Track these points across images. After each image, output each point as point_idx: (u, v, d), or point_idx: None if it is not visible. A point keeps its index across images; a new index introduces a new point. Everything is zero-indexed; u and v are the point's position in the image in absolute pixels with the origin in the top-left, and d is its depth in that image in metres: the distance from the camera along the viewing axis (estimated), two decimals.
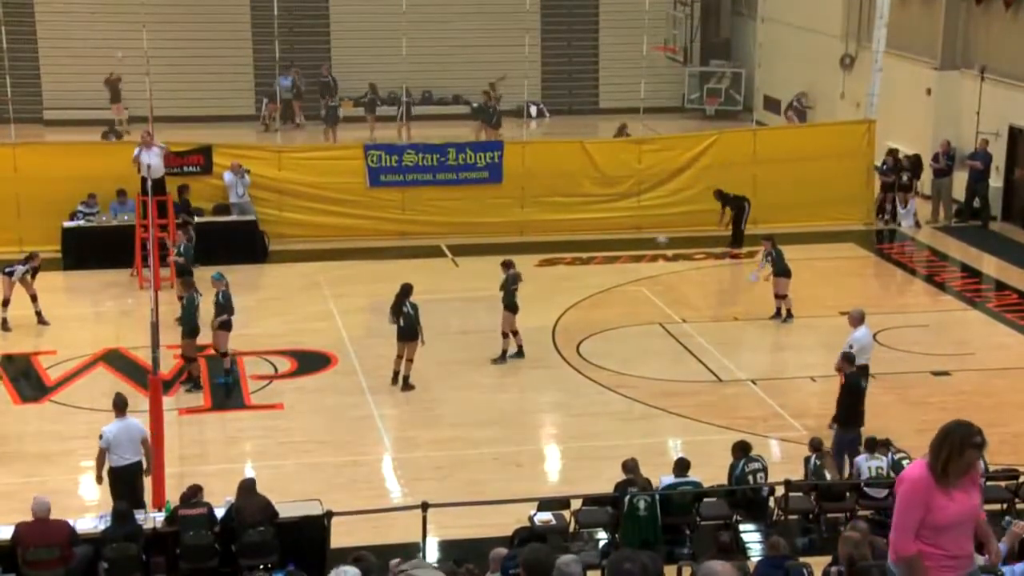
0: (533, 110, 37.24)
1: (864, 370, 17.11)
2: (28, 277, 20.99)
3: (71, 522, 13.13)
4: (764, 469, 14.81)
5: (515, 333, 19.93)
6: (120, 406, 14.55)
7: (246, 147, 27.57)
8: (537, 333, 20.94)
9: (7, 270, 20.88)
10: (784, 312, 21.70)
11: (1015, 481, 14.87)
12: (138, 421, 14.58)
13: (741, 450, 14.93)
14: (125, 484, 14.18)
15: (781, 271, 21.61)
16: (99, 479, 14.39)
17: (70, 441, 16.96)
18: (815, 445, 15.13)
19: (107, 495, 14.27)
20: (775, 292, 21.71)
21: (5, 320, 20.85)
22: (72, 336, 20.82)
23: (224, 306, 18.97)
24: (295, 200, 26.03)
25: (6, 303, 20.86)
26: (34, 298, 21.04)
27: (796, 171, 26.96)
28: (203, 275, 20.91)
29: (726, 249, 25.69)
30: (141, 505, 14.00)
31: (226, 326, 19.00)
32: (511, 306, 19.79)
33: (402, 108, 32.95)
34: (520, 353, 19.95)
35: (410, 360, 18.84)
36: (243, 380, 19.19)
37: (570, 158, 27.14)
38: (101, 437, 14.28)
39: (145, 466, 14.37)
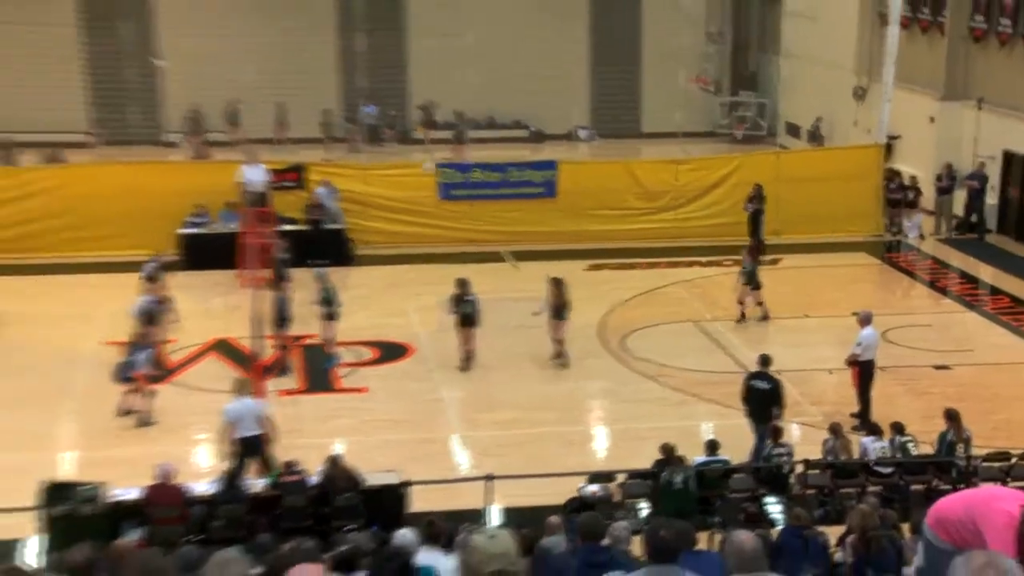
0: (583, 133, 37.32)
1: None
2: (163, 278, 20.85)
3: (188, 485, 13.41)
4: (789, 454, 14.84)
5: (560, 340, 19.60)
6: (240, 388, 14.90)
7: (336, 165, 27.82)
8: (587, 329, 21.01)
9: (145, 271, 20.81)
10: (740, 315, 21.44)
11: (1008, 463, 14.78)
12: (256, 400, 14.89)
13: (774, 435, 14.98)
14: (251, 452, 14.46)
15: (750, 282, 21.34)
16: (226, 452, 14.44)
17: (187, 417, 17.26)
18: (833, 429, 15.15)
19: (220, 463, 14.50)
20: (738, 298, 21.48)
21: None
22: (188, 327, 21.07)
23: (329, 299, 19.23)
24: (378, 211, 26.19)
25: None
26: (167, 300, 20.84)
27: (814, 189, 26.79)
28: (298, 276, 21.14)
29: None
30: (270, 469, 14.21)
31: (331, 317, 19.27)
32: (562, 314, 19.46)
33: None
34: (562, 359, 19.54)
35: (471, 347, 18.91)
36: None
37: (616, 176, 27.17)
38: (225, 414, 14.53)
39: (269, 438, 14.62)
